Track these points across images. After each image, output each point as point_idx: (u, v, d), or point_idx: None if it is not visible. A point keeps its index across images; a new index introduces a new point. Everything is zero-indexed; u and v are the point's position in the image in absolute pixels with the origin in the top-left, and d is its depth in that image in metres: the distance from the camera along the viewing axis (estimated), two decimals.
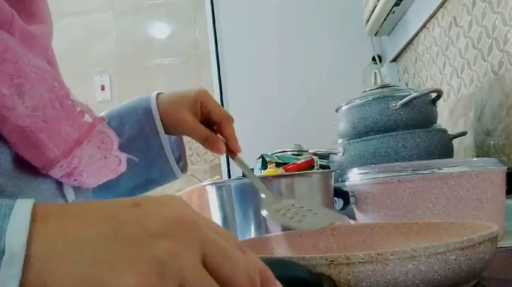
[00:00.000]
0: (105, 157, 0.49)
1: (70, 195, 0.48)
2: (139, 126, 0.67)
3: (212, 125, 0.66)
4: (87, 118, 0.45)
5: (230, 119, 0.66)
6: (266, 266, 0.27)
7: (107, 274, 0.22)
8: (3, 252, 0.22)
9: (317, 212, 0.51)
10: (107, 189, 0.61)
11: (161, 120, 0.67)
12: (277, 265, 0.34)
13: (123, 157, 0.53)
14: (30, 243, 0.23)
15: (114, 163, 0.52)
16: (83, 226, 0.24)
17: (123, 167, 0.53)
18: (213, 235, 0.25)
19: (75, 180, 0.47)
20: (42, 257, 0.23)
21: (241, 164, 0.63)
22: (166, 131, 0.68)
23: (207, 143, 0.64)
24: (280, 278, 0.32)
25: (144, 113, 0.67)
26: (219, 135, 0.66)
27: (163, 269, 0.23)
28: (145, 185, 0.71)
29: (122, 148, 0.58)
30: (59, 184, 0.47)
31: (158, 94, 0.69)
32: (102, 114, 0.68)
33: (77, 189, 0.51)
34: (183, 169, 0.72)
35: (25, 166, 0.41)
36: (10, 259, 0.22)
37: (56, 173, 0.43)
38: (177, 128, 0.67)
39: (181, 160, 0.72)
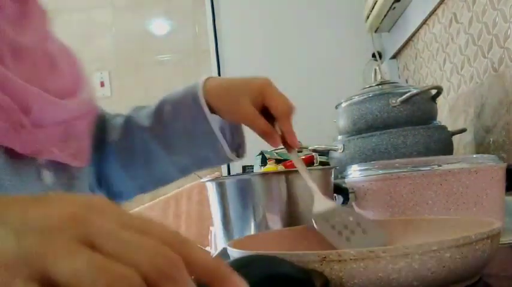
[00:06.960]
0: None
1: (48, 178, 0.50)
2: (188, 113, 0.65)
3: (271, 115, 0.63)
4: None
5: (290, 114, 0.63)
6: (215, 261, 0.24)
7: None
8: None
9: (365, 229, 0.51)
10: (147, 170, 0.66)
11: (215, 105, 0.65)
12: (267, 262, 0.34)
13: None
14: None
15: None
16: None
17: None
18: (109, 227, 0.23)
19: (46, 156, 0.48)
20: None
21: (296, 158, 0.62)
22: (223, 117, 0.66)
23: (264, 135, 0.62)
24: (271, 276, 0.32)
25: (193, 99, 0.65)
26: (277, 127, 0.63)
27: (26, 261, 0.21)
28: (197, 164, 0.70)
29: (170, 129, 0.60)
30: (37, 167, 0.49)
31: (208, 79, 0.66)
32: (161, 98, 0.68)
33: (59, 172, 0.52)
34: (241, 154, 0.70)
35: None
36: None
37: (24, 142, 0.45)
38: (235, 116, 0.65)
39: (237, 143, 0.70)
